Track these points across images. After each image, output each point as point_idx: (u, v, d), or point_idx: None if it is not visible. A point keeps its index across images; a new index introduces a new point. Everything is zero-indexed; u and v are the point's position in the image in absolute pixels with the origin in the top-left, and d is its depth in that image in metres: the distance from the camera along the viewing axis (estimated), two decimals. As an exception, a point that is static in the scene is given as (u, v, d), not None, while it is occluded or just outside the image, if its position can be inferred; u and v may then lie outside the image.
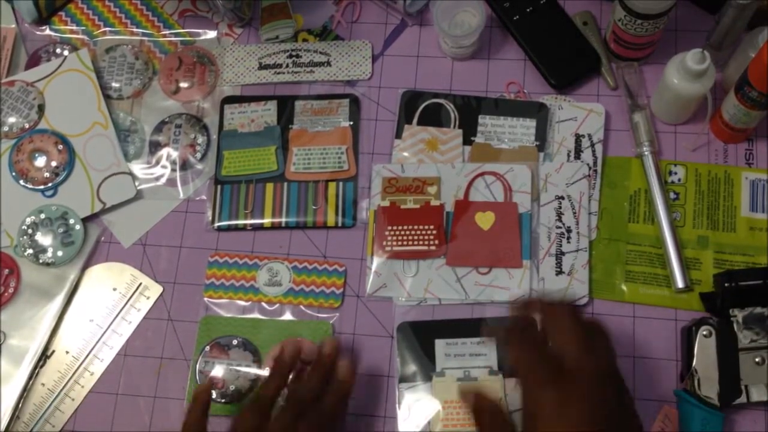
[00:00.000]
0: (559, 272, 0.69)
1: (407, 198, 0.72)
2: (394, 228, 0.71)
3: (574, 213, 0.70)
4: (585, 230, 0.69)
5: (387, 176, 0.73)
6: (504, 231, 0.69)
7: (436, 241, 0.70)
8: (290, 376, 0.63)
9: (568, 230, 0.69)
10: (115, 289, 0.75)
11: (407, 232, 0.70)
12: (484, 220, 0.70)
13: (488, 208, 0.70)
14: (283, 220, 0.75)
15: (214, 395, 0.69)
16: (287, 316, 0.72)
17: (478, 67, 0.79)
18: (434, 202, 0.71)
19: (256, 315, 0.73)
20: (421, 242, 0.70)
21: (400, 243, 0.70)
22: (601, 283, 0.70)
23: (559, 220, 0.70)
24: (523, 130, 0.75)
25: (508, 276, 0.68)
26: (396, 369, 0.69)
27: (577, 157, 0.73)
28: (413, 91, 0.78)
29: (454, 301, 0.69)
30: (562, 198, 0.70)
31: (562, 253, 0.69)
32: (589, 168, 0.73)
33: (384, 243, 0.70)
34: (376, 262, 0.70)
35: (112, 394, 0.72)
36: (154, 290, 0.75)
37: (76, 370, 0.73)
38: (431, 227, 0.70)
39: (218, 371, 0.70)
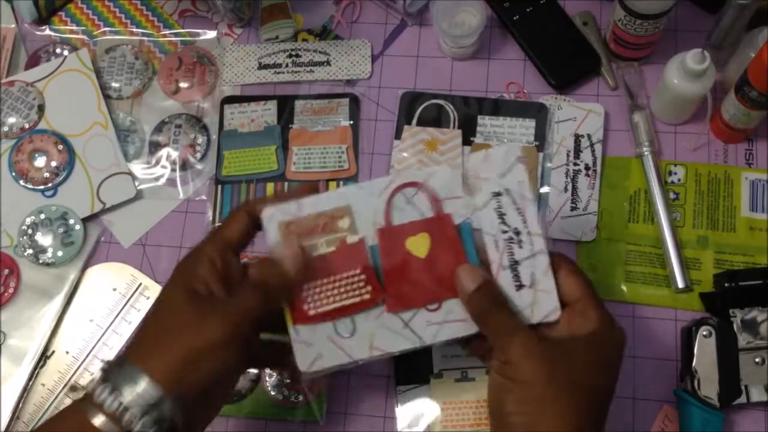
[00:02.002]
0: (520, 286, 0.55)
1: (317, 241, 0.55)
2: (312, 285, 0.55)
3: (518, 210, 0.55)
4: (535, 227, 0.55)
5: (282, 221, 0.55)
6: (444, 253, 0.55)
7: (369, 288, 0.55)
8: None
9: (517, 232, 0.55)
10: (115, 289, 0.75)
11: (330, 286, 0.55)
12: (419, 246, 0.56)
13: (419, 229, 0.56)
14: (283, 220, 0.75)
15: None
16: (287, 316, 0.72)
17: (478, 67, 0.79)
18: (351, 239, 0.56)
19: (256, 315, 0.73)
20: (350, 294, 0.55)
21: (324, 301, 0.55)
22: (600, 283, 0.70)
23: (503, 222, 0.55)
24: (522, 130, 0.75)
25: (462, 305, 0.55)
26: (394, 370, 0.69)
27: (576, 157, 0.73)
28: (413, 92, 0.78)
29: (409, 350, 0.56)
30: (500, 194, 0.55)
31: (517, 263, 0.55)
32: (588, 168, 0.73)
33: (304, 306, 0.55)
34: (301, 332, 0.55)
35: (112, 394, 0.72)
36: (154, 290, 0.75)
37: (76, 371, 0.73)
38: (357, 272, 0.55)
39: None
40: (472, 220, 0.56)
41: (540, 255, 0.55)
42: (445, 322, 0.55)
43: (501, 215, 0.55)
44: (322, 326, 0.55)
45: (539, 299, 0.54)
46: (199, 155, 0.79)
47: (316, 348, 0.55)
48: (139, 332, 0.52)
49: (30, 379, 0.72)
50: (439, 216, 0.56)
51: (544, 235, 0.56)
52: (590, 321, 0.52)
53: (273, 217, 0.56)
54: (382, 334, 0.55)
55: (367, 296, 0.55)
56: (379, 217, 0.56)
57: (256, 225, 0.55)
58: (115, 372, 0.48)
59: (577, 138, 0.74)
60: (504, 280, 0.55)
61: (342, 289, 0.55)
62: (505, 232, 0.55)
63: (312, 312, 0.55)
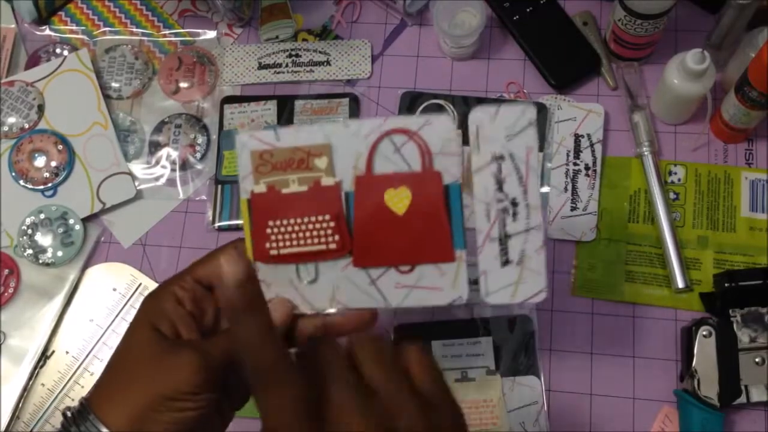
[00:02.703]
0: (506, 262, 0.49)
1: (289, 177, 0.51)
2: (278, 223, 0.51)
3: (520, 178, 0.49)
4: (536, 200, 0.49)
5: (258, 149, 0.51)
6: (426, 213, 0.50)
7: (336, 236, 0.50)
8: None
9: (514, 203, 0.49)
10: (115, 289, 0.75)
11: (295, 227, 0.51)
12: (398, 201, 0.50)
13: (401, 182, 0.50)
14: (283, 220, 0.74)
15: None
16: (287, 316, 0.72)
17: (478, 67, 0.79)
18: (326, 181, 0.51)
19: (256, 315, 0.73)
20: (315, 239, 0.51)
21: (288, 243, 0.51)
22: (601, 283, 0.70)
23: (500, 189, 0.49)
24: (522, 130, 0.75)
25: (438, 273, 0.50)
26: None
27: (576, 157, 0.73)
28: (413, 92, 0.78)
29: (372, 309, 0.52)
30: (502, 158, 0.49)
31: (508, 236, 0.50)
32: (588, 168, 0.73)
33: (267, 244, 0.51)
34: (261, 269, 0.51)
35: (112, 394, 0.72)
36: (154, 290, 0.75)
37: (76, 370, 0.73)
38: (327, 217, 0.50)
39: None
40: (467, 181, 0.50)
41: (535, 231, 0.49)
42: (416, 287, 0.51)
43: (499, 182, 0.49)
44: (284, 267, 0.51)
45: (525, 278, 0.49)
46: (199, 155, 0.79)
47: (275, 289, 0.52)
48: (104, 374, 0.47)
49: (30, 379, 0.72)
50: (427, 171, 0.50)
51: (541, 208, 0.50)
52: None
53: (246, 144, 0.51)
54: (345, 287, 0.51)
55: (333, 245, 0.51)
56: (361, 162, 0.50)
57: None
58: (76, 422, 0.44)
59: (577, 138, 0.74)
60: (488, 253, 0.49)
61: (308, 234, 0.51)
62: (500, 201, 0.49)
63: (273, 252, 0.51)
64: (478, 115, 0.49)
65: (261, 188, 0.51)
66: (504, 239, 0.50)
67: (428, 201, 0.50)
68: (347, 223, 0.50)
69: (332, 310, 0.51)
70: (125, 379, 0.45)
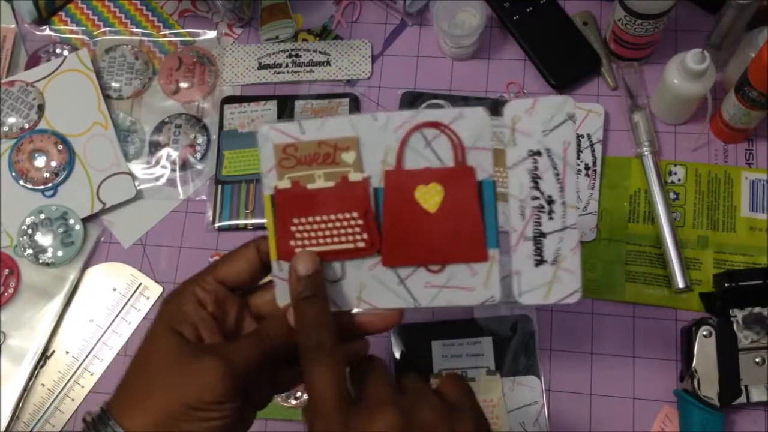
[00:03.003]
0: (540, 262, 0.48)
1: (315, 172, 0.49)
2: (302, 220, 0.49)
3: (557, 175, 0.47)
4: (573, 198, 0.47)
5: (282, 142, 0.48)
6: (458, 211, 0.48)
7: (365, 235, 0.48)
8: None
9: (550, 201, 0.47)
10: (115, 289, 0.75)
11: (321, 225, 0.49)
12: (429, 198, 0.49)
13: (433, 178, 0.48)
14: (283, 220, 0.74)
15: None
16: (287, 316, 0.72)
17: (478, 67, 0.79)
18: (354, 176, 0.49)
19: (256, 315, 0.73)
20: (342, 237, 0.49)
21: (313, 241, 0.49)
22: (601, 283, 0.70)
23: (536, 187, 0.48)
24: (522, 130, 0.75)
25: (470, 272, 0.49)
26: (394, 370, 0.69)
27: (576, 157, 0.73)
28: (413, 92, 0.78)
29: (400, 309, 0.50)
30: (538, 154, 0.47)
31: (543, 235, 0.48)
32: (588, 168, 0.73)
33: (291, 242, 0.49)
34: (284, 267, 0.48)
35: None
36: (154, 290, 0.75)
37: (76, 371, 0.73)
38: (354, 215, 0.48)
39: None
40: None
41: (571, 230, 0.47)
42: (446, 287, 0.49)
43: (535, 179, 0.47)
44: None
45: (560, 278, 0.48)
46: (199, 155, 0.79)
47: None
48: (124, 379, 0.46)
49: (30, 379, 0.72)
50: (460, 167, 0.48)
51: (579, 208, 0.48)
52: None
53: (269, 137, 0.48)
54: (372, 287, 0.49)
55: (361, 244, 0.49)
56: (390, 156, 0.48)
57: (266, 267, 0.49)
58: (96, 428, 0.43)
59: (577, 138, 0.74)
60: (522, 252, 0.48)
61: (335, 232, 0.49)
62: (535, 198, 0.47)
63: (299, 250, 0.49)
64: (512, 110, 0.47)
65: (285, 184, 0.49)
66: (539, 238, 0.48)
67: (461, 198, 0.48)
68: (376, 221, 0.48)
69: (358, 310, 0.49)
70: (146, 385, 0.44)
